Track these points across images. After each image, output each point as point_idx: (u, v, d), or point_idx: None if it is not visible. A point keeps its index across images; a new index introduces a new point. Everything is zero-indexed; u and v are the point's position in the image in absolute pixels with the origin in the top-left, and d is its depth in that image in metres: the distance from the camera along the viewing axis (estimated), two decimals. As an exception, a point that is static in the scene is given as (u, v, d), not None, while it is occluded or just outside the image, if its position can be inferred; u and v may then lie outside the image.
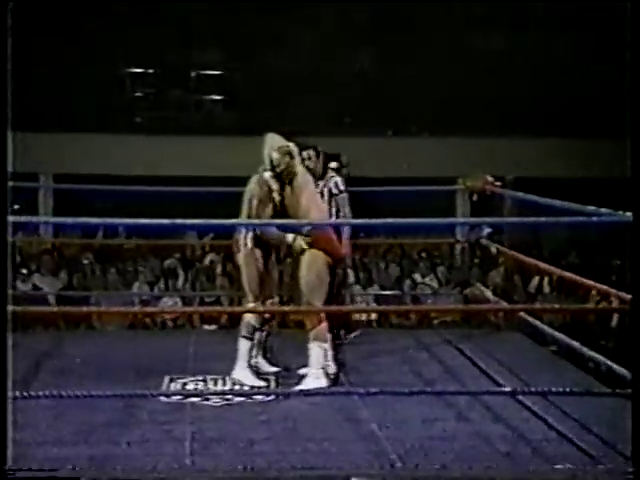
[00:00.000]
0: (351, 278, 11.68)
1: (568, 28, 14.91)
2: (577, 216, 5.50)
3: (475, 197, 8.42)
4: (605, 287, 6.16)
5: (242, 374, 6.33)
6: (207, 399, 5.88)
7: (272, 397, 5.92)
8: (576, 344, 6.44)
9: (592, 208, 5.38)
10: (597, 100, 14.32)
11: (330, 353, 6.34)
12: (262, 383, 6.34)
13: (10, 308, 4.59)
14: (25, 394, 5.06)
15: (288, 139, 6.40)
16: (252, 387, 6.24)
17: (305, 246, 6.31)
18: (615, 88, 10.29)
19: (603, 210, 5.30)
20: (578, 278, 6.73)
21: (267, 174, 6.32)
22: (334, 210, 7.31)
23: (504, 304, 8.54)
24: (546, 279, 11.93)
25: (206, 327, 10.42)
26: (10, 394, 4.58)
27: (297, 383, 6.24)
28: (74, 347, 7.58)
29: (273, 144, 6.35)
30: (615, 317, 10.13)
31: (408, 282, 12.30)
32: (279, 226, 6.34)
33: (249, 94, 15.12)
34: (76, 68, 14.72)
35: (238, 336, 6.38)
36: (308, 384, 6.16)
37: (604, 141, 13.77)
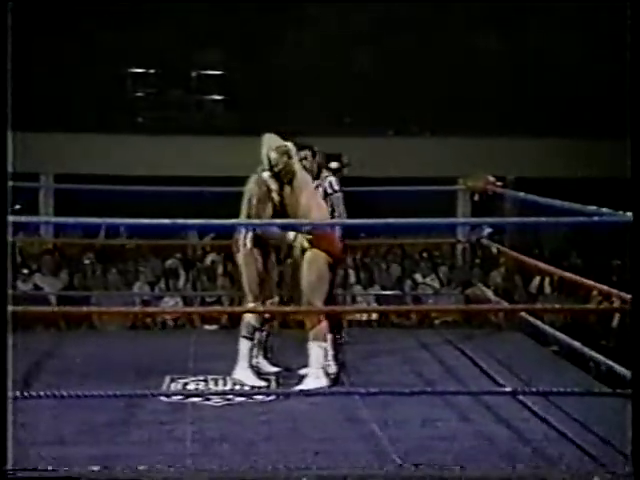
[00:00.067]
0: (352, 278, 11.77)
1: (568, 28, 14.91)
2: (578, 216, 5.50)
3: (476, 197, 8.41)
4: (606, 287, 6.16)
5: (243, 374, 6.33)
6: (208, 399, 5.88)
7: (273, 397, 5.92)
8: (577, 344, 6.44)
9: (593, 208, 5.38)
10: (597, 100, 14.31)
11: (330, 353, 6.35)
12: (263, 383, 6.34)
13: (11, 308, 4.59)
14: (25, 394, 5.06)
15: (285, 139, 6.40)
16: (253, 387, 6.25)
17: (307, 245, 6.31)
18: (615, 88, 10.29)
19: (604, 210, 5.29)
20: (579, 278, 6.74)
21: (265, 174, 6.32)
22: (329, 210, 7.30)
23: (505, 304, 8.55)
24: (547, 279, 11.91)
25: (207, 327, 10.40)
26: (10, 394, 4.57)
27: (298, 383, 6.24)
28: (75, 347, 7.58)
29: (271, 144, 6.35)
30: (616, 317, 10.12)
31: (409, 282, 12.28)
32: (279, 225, 6.35)
33: (250, 94, 15.12)
34: (76, 68, 14.72)
35: (238, 336, 6.39)
36: (308, 384, 6.16)
37: (604, 141, 13.77)
